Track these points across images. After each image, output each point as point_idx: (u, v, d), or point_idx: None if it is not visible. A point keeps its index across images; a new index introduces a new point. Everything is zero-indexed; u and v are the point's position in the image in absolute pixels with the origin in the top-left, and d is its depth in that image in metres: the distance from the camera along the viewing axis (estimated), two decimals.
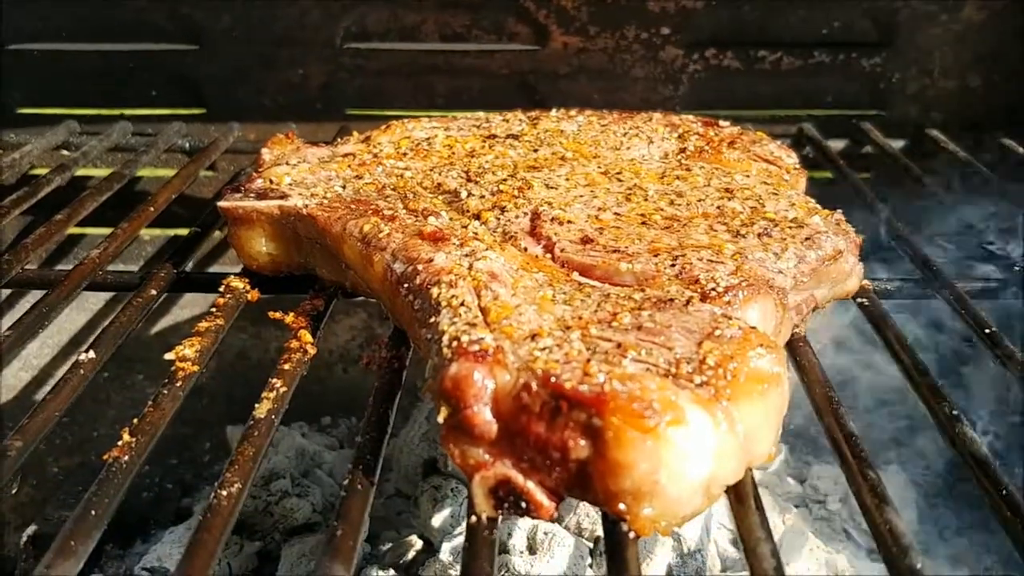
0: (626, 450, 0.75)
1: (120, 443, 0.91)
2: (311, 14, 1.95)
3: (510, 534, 1.45)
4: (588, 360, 0.82)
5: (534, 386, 0.79)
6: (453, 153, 1.36)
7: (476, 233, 1.09)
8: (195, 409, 1.97)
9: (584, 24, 1.95)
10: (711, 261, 1.01)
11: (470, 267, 0.99)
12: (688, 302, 0.93)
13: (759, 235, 1.08)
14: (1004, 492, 0.87)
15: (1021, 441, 1.50)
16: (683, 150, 1.40)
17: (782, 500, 1.67)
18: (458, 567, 1.43)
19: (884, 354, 1.14)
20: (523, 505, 0.80)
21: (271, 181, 1.27)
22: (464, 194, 1.20)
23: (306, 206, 1.19)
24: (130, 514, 1.79)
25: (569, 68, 1.98)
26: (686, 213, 1.14)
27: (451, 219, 1.13)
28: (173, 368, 1.04)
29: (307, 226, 1.19)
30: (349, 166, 1.32)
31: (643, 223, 1.11)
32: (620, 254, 1.03)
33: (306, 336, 1.12)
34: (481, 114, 1.55)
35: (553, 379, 0.79)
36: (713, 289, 0.96)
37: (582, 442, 0.77)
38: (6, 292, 1.71)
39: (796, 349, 1.10)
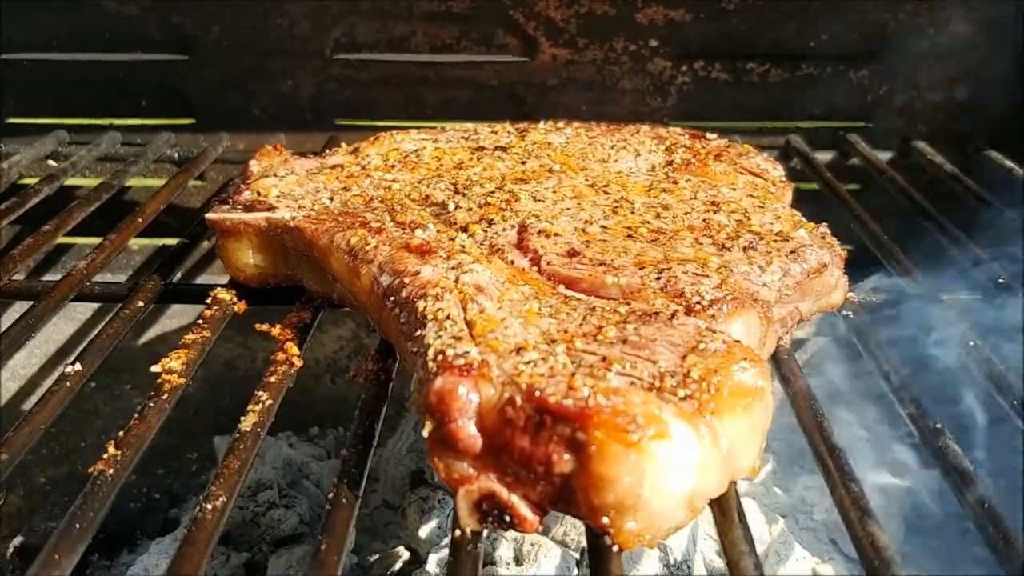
0: (610, 464, 0.75)
1: (106, 456, 0.91)
2: (301, 25, 1.96)
3: (496, 546, 1.45)
4: (573, 374, 0.82)
5: (519, 400, 0.80)
6: (441, 165, 1.36)
7: (463, 246, 1.09)
8: (182, 419, 1.97)
9: (573, 36, 1.96)
10: (696, 274, 1.02)
11: (456, 280, 0.99)
12: (673, 315, 0.94)
13: (744, 248, 1.08)
14: (986, 506, 0.88)
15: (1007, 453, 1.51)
16: (670, 163, 1.40)
17: (769, 510, 1.67)
18: None
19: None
20: (507, 519, 0.81)
21: (259, 193, 1.27)
22: (452, 206, 1.20)
23: (293, 218, 1.20)
24: (116, 524, 1.79)
25: (558, 80, 1.99)
26: (672, 226, 1.15)
27: (438, 232, 1.13)
28: (160, 380, 1.04)
29: (294, 238, 1.19)
30: (337, 178, 1.32)
31: (629, 236, 1.12)
32: (606, 267, 1.04)
33: (293, 348, 1.12)
34: (469, 126, 1.56)
35: (538, 393, 0.79)
36: (698, 303, 0.96)
37: (566, 456, 0.77)
38: None
39: (781, 362, 1.10)
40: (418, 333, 0.93)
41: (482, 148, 1.42)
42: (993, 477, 1.42)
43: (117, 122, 2.03)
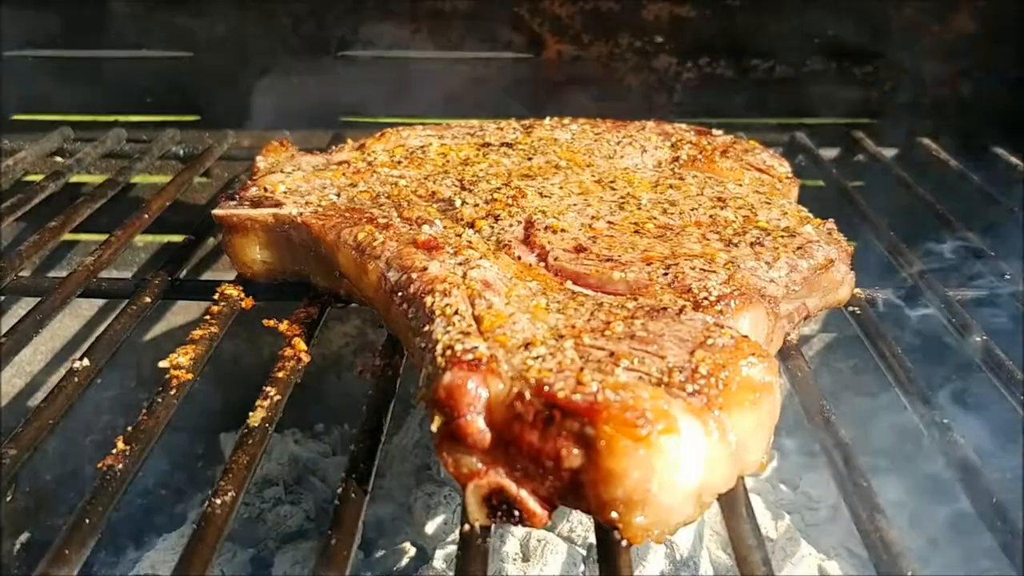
0: (619, 459, 0.75)
1: (114, 451, 0.91)
2: (306, 22, 1.96)
3: (504, 541, 1.45)
4: (581, 369, 0.82)
5: (527, 395, 0.80)
6: (447, 161, 1.37)
7: (470, 242, 1.09)
8: (188, 414, 1.97)
9: (578, 32, 1.96)
10: (703, 270, 1.02)
11: (464, 276, 0.99)
12: (681, 311, 0.94)
13: (751, 244, 1.08)
14: (994, 500, 0.88)
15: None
16: (676, 159, 1.41)
17: (775, 506, 1.67)
18: (452, 575, 1.43)
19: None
20: (516, 514, 0.81)
21: (266, 189, 1.27)
22: (458, 202, 1.20)
23: (300, 214, 1.20)
24: (123, 520, 1.79)
25: (563, 76, 1.99)
26: (679, 222, 1.15)
27: (445, 227, 1.13)
28: (167, 376, 1.05)
29: (301, 234, 1.19)
30: (343, 174, 1.32)
31: (636, 232, 1.12)
32: (613, 263, 1.04)
33: (300, 344, 1.12)
34: (475, 122, 1.56)
35: (546, 388, 0.79)
36: (705, 298, 0.96)
37: (575, 451, 0.77)
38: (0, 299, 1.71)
39: (788, 357, 1.10)
40: (426, 328, 0.93)
41: (488, 144, 1.42)
42: (1000, 472, 1.42)
43: (122, 119, 2.04)
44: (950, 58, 1.97)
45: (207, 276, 1.97)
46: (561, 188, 1.25)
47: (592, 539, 1.44)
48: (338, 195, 1.25)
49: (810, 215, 1.20)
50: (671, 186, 1.27)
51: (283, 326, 1.17)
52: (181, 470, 1.97)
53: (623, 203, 1.20)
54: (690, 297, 0.97)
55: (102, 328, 1.17)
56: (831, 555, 1.56)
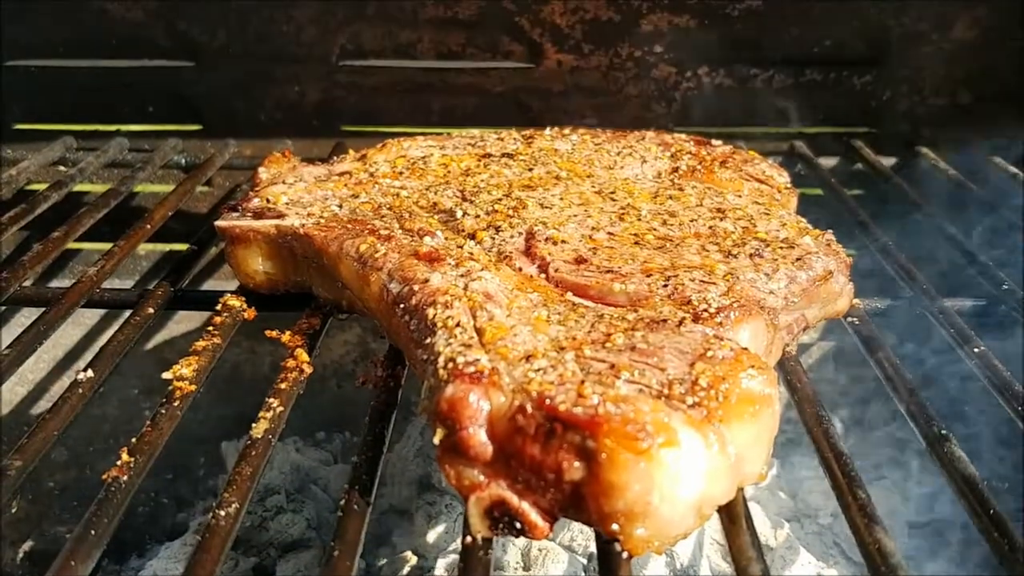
0: (619, 472, 0.76)
1: (119, 463, 0.92)
2: (307, 31, 1.97)
3: (505, 550, 1.45)
4: (582, 382, 0.83)
5: (529, 408, 0.80)
6: (448, 172, 1.37)
7: (471, 253, 1.10)
8: (190, 424, 1.97)
9: (578, 42, 1.97)
10: (703, 282, 1.02)
11: (465, 287, 1.00)
12: (680, 323, 0.94)
13: (750, 255, 1.09)
14: (991, 512, 0.89)
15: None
16: (676, 169, 1.41)
17: (774, 515, 1.68)
18: None
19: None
20: (518, 526, 0.81)
21: (268, 200, 1.28)
22: (459, 214, 1.21)
23: (303, 225, 1.21)
24: (126, 529, 1.79)
25: (563, 86, 2.00)
26: (678, 233, 1.16)
27: (447, 239, 1.14)
28: (171, 387, 1.05)
29: (304, 245, 1.20)
30: (345, 185, 1.33)
31: (636, 243, 1.13)
32: (613, 274, 1.04)
33: (303, 355, 1.13)
34: (476, 132, 1.56)
35: (548, 401, 0.80)
36: (705, 310, 0.97)
37: (576, 464, 0.78)
38: (2, 308, 1.72)
39: (787, 368, 1.11)
40: (428, 340, 0.94)
41: (489, 155, 1.43)
42: (999, 483, 1.42)
43: (124, 128, 2.05)
44: (949, 67, 1.97)
45: (209, 286, 1.98)
46: (562, 199, 1.25)
47: (593, 548, 1.44)
48: (340, 206, 1.26)
49: (809, 226, 1.21)
50: (671, 197, 1.28)
51: (285, 337, 1.17)
52: (183, 479, 1.97)
53: (623, 214, 1.21)
54: (690, 309, 0.98)
55: (105, 339, 1.18)
56: (830, 563, 1.57)
